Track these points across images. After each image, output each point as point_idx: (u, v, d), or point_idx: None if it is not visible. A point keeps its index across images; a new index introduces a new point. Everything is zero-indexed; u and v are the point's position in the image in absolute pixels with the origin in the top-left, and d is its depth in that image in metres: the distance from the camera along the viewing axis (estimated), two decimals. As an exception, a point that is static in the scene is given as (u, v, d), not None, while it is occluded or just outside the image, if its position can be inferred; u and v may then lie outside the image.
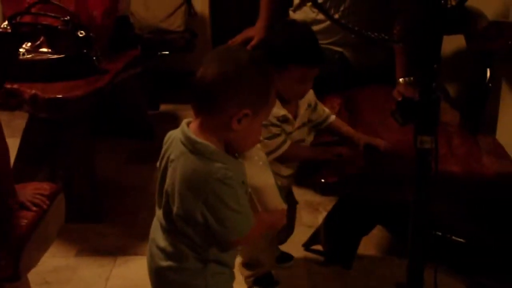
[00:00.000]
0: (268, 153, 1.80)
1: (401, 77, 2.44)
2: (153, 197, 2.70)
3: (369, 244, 2.38)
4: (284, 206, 1.50)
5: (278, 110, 1.87)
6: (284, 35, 1.91)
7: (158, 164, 1.46)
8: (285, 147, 1.90)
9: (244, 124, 1.34)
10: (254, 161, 1.47)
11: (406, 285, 1.62)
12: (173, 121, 3.76)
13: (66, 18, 2.47)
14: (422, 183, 1.44)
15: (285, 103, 1.90)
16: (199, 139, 1.33)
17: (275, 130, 1.89)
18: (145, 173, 3.04)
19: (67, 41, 2.45)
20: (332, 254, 2.28)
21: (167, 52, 3.84)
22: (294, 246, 2.33)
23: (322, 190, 1.98)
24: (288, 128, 1.92)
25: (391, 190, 1.93)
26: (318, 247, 2.35)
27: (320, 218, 2.52)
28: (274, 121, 1.87)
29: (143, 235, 2.45)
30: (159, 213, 1.45)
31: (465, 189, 1.94)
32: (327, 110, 2.08)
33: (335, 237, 2.30)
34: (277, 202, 1.48)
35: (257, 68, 1.35)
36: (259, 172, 1.48)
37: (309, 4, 2.70)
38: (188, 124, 1.40)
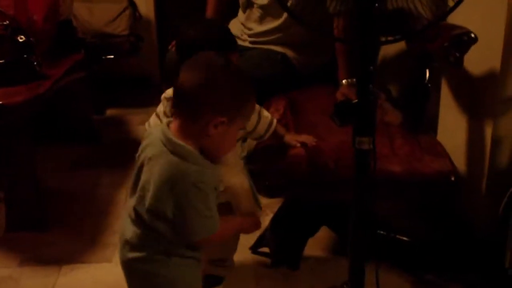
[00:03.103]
0: None
1: (344, 79, 2.46)
2: (99, 204, 2.75)
3: (316, 245, 2.40)
4: (258, 210, 1.54)
5: None
6: (195, 28, 1.85)
7: (136, 157, 1.50)
8: None
9: (220, 130, 1.39)
10: (230, 166, 1.52)
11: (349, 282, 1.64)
12: (120, 126, 3.74)
13: (5, 23, 2.42)
14: (361, 183, 1.46)
15: None
16: (179, 141, 1.39)
17: None
18: (91, 179, 3.02)
19: (7, 46, 2.41)
20: (279, 256, 2.29)
21: (111, 56, 3.80)
22: (241, 249, 2.32)
23: (268, 193, 2.00)
24: None
25: (335, 191, 1.95)
26: (265, 250, 2.36)
27: (267, 220, 2.52)
28: None
29: (90, 242, 2.47)
30: (129, 205, 1.50)
31: (407, 188, 1.98)
32: (269, 115, 2.05)
33: (282, 239, 2.31)
34: (251, 206, 1.56)
35: (233, 75, 1.40)
36: (235, 177, 1.54)
37: (256, 5, 2.71)
38: (168, 124, 1.45)
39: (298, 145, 2.02)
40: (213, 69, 1.39)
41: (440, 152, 2.04)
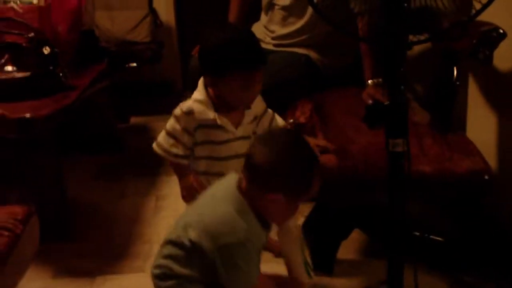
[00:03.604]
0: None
1: (369, 79, 2.43)
2: (127, 213, 2.75)
3: (348, 248, 2.38)
4: (306, 280, 1.60)
5: (207, 112, 1.81)
6: (218, 38, 1.78)
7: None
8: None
9: (277, 204, 1.43)
10: (288, 232, 1.56)
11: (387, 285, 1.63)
12: (144, 133, 3.74)
13: (30, 35, 2.43)
14: (396, 185, 1.44)
15: (228, 108, 1.84)
16: (241, 196, 1.45)
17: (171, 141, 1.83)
18: (117, 189, 3.02)
19: (32, 58, 2.41)
20: (312, 260, 2.27)
21: (134, 64, 3.80)
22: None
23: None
24: (221, 135, 1.85)
25: (366, 194, 1.93)
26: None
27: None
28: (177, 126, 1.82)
29: (121, 252, 2.47)
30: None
31: (438, 188, 1.95)
32: (283, 121, 2.04)
33: (314, 243, 2.28)
34: (300, 274, 1.59)
35: (299, 159, 1.44)
36: (290, 244, 1.58)
37: (277, 7, 2.70)
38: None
39: (319, 154, 1.97)
40: (280, 150, 1.43)
41: (471, 150, 2.01)
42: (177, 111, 1.83)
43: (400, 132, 1.39)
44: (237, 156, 1.87)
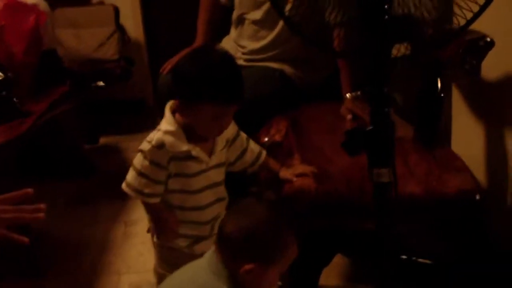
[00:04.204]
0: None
1: (347, 92, 2.30)
2: (97, 242, 2.58)
3: (331, 273, 2.23)
4: None
5: (179, 144, 1.66)
6: (195, 65, 1.63)
7: None
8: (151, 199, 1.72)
9: (254, 275, 1.36)
10: None
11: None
12: (114, 154, 3.58)
13: (-21, 59, 2.26)
14: (383, 215, 1.29)
15: (198, 138, 1.69)
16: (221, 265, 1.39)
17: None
18: (87, 215, 2.86)
19: (-18, 85, 2.24)
20: (293, 289, 2.12)
21: (102, 83, 3.64)
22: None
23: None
24: (195, 167, 1.71)
25: (349, 219, 1.79)
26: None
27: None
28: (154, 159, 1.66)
29: (87, 286, 2.32)
30: None
31: (427, 210, 1.81)
32: (257, 146, 1.90)
33: (294, 271, 2.13)
34: None
35: (273, 227, 1.37)
36: None
37: (248, 21, 2.56)
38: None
39: (295, 179, 1.85)
40: (253, 218, 1.38)
41: (460, 167, 1.88)
42: (145, 145, 1.67)
43: (385, 161, 1.23)
44: (211, 186, 1.76)
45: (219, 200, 1.80)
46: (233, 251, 1.37)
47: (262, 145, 2.29)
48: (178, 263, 1.74)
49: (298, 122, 2.32)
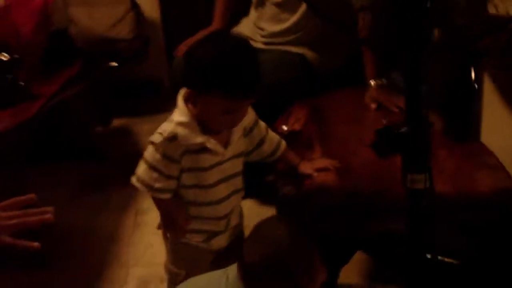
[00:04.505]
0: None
1: (371, 79, 2.20)
2: (105, 231, 2.48)
3: (351, 271, 2.10)
4: None
5: (193, 136, 1.54)
6: (208, 54, 1.49)
7: None
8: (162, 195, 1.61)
9: None
10: None
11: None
12: (127, 137, 3.46)
13: (-15, 40, 2.16)
14: (417, 226, 1.17)
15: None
16: None
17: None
18: (97, 202, 2.74)
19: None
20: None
21: (115, 64, 3.53)
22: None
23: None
24: (210, 159, 1.59)
25: (375, 221, 1.66)
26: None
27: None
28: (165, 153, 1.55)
29: (95, 279, 2.21)
30: None
31: (458, 210, 1.68)
32: (276, 136, 1.77)
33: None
34: None
35: (297, 254, 1.30)
36: None
37: (269, 3, 2.43)
38: None
39: (316, 174, 1.73)
40: (280, 250, 1.29)
41: (493, 164, 1.75)
42: (157, 137, 1.55)
43: (421, 166, 1.11)
44: (227, 179, 1.64)
45: (235, 192, 1.69)
46: (257, 281, 1.30)
47: (280, 134, 2.18)
48: (195, 259, 1.68)
49: (318, 110, 2.19)
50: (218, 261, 1.69)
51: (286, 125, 2.17)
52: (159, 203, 1.65)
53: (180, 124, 1.54)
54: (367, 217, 1.68)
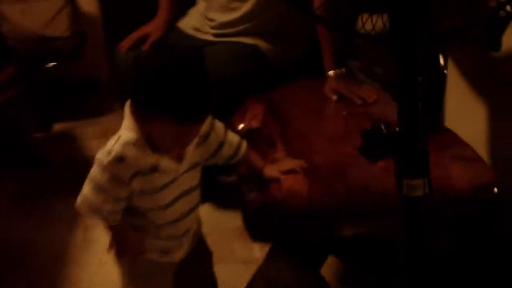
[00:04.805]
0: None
1: (331, 69, 2.07)
2: (48, 249, 2.27)
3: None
4: None
5: (143, 157, 1.38)
6: (158, 75, 1.31)
7: None
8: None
9: None
10: None
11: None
12: (69, 143, 3.25)
13: None
14: (415, 237, 1.03)
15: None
16: None
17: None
18: (36, 217, 2.51)
19: None
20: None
21: (53, 63, 3.32)
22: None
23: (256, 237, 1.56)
24: (164, 178, 1.43)
25: (352, 225, 1.52)
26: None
27: (257, 250, 2.09)
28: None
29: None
30: None
31: (436, 208, 1.55)
32: (236, 136, 1.62)
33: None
34: None
35: None
36: None
37: None
38: None
39: (283, 177, 1.59)
40: None
41: (470, 156, 1.63)
42: (104, 156, 1.37)
43: (419, 170, 0.96)
44: (184, 194, 1.49)
45: (193, 208, 1.54)
46: None
47: (238, 133, 2.03)
48: (156, 274, 1.55)
49: (276, 104, 2.05)
50: (181, 271, 1.58)
51: (242, 122, 2.03)
52: (111, 226, 1.49)
53: (129, 144, 1.37)
54: (340, 220, 1.54)
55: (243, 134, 1.98)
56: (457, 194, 1.52)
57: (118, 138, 1.38)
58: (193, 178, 1.50)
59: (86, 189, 1.41)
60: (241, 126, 2.01)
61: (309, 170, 1.59)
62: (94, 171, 1.39)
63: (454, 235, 1.64)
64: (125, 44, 2.40)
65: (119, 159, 1.36)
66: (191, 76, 1.31)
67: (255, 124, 2.00)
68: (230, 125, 2.08)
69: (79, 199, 1.43)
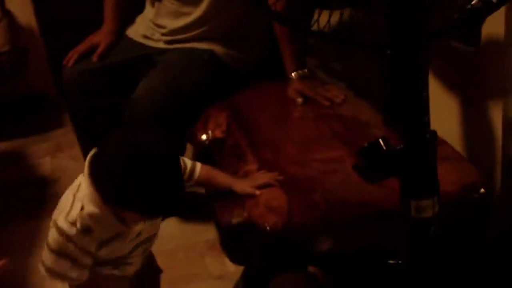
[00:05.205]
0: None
1: (293, 71, 1.99)
2: (17, 278, 2.11)
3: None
4: None
5: (110, 228, 1.32)
6: (122, 162, 1.23)
7: None
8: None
9: None
10: None
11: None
12: (15, 163, 3.06)
13: None
14: (423, 259, 0.94)
15: None
16: None
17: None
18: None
19: None
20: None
21: (-8, 81, 3.17)
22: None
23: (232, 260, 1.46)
24: (129, 235, 1.37)
25: (330, 237, 1.42)
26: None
27: (231, 264, 1.98)
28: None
29: None
30: None
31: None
32: (189, 161, 1.51)
33: (257, 280, 1.77)
34: None
35: None
36: None
37: None
38: None
39: (258, 192, 1.48)
40: None
41: (452, 155, 1.54)
42: (68, 227, 1.28)
43: (429, 189, 0.86)
44: (146, 241, 1.46)
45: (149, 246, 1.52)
46: None
47: (200, 145, 1.92)
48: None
49: (239, 111, 1.95)
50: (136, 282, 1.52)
51: (205, 133, 1.91)
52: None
53: (92, 216, 1.28)
54: (322, 233, 1.44)
55: (207, 146, 1.87)
56: (445, 195, 1.44)
57: (82, 208, 1.28)
58: (154, 228, 1.45)
59: (48, 257, 1.33)
60: (204, 137, 1.89)
61: (285, 182, 1.49)
62: (55, 240, 1.31)
63: (442, 236, 1.57)
64: (71, 57, 2.26)
65: (86, 231, 1.29)
66: (167, 184, 1.25)
67: (219, 134, 1.89)
68: (191, 137, 1.97)
69: (42, 269, 1.35)
